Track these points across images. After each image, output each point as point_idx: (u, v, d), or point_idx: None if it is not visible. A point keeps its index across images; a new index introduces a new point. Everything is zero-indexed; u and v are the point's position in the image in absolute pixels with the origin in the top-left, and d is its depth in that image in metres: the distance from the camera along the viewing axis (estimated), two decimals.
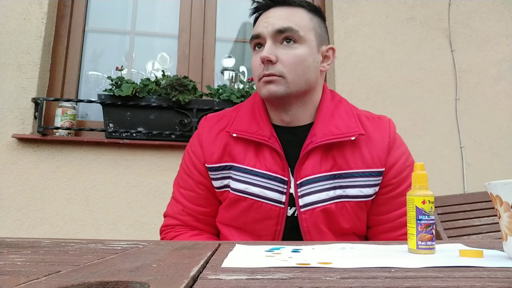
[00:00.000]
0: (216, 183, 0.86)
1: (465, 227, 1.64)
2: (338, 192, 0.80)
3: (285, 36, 0.80)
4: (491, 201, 0.50)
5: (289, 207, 0.82)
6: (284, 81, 0.79)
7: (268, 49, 0.79)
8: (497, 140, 2.06)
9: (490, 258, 0.47)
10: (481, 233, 1.63)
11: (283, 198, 0.81)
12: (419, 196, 0.54)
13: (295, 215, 0.82)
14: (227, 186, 0.84)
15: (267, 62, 0.79)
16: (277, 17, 0.81)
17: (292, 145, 0.83)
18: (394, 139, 0.85)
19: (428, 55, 2.10)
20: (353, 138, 0.80)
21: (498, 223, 0.49)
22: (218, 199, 0.88)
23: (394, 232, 0.83)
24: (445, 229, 1.60)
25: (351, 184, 0.81)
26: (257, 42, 0.83)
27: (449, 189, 1.96)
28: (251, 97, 0.92)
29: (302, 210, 0.80)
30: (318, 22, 0.85)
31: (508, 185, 0.46)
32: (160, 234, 0.91)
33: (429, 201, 0.54)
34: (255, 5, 0.86)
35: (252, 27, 0.90)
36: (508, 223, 0.47)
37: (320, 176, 0.80)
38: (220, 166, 0.84)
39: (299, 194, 0.80)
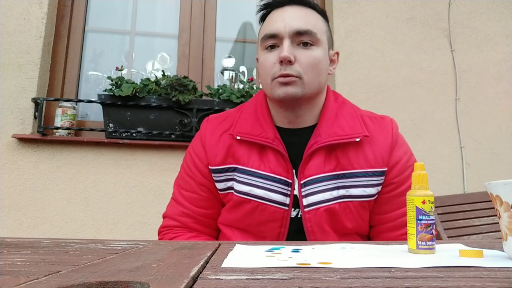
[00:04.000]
0: (219, 185, 0.85)
1: (465, 227, 1.64)
2: (342, 192, 0.80)
3: (304, 38, 0.80)
4: (491, 201, 0.50)
5: (292, 209, 0.82)
6: (301, 82, 0.79)
7: (288, 49, 0.78)
8: (497, 140, 2.06)
9: (490, 258, 0.47)
10: (481, 233, 1.63)
11: (287, 200, 0.81)
12: (419, 196, 0.54)
13: (299, 216, 0.82)
14: (231, 188, 0.84)
15: (287, 62, 0.78)
16: (295, 17, 0.80)
17: (296, 146, 0.83)
18: (397, 139, 0.85)
19: (428, 55, 2.10)
20: (357, 139, 0.81)
21: (498, 223, 0.49)
22: (220, 201, 0.88)
23: (396, 231, 0.84)
24: (445, 229, 1.60)
25: (354, 184, 0.81)
26: (272, 41, 0.82)
27: (449, 189, 1.96)
28: (253, 98, 0.91)
29: (306, 210, 0.80)
30: (327, 26, 0.87)
31: (508, 185, 0.46)
32: (158, 235, 0.90)
33: (429, 201, 0.54)
34: (266, 1, 0.85)
35: (253, 26, 0.89)
36: (508, 223, 0.47)
37: (323, 176, 0.80)
38: (224, 168, 0.84)
39: (303, 194, 0.80)
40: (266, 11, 0.87)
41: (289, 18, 0.80)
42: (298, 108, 0.84)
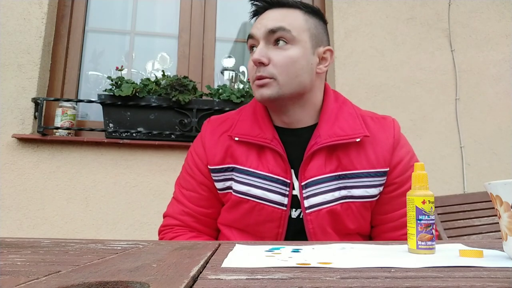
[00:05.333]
0: (218, 185, 0.86)
1: (465, 227, 1.63)
2: (343, 192, 0.80)
3: (277, 36, 0.79)
4: (491, 201, 0.50)
5: (294, 209, 0.82)
6: (275, 83, 0.79)
7: (260, 51, 0.79)
8: (497, 140, 2.06)
9: (490, 258, 0.47)
10: (481, 233, 1.63)
11: (285, 200, 0.81)
12: (419, 196, 0.54)
13: (300, 217, 0.82)
14: (229, 188, 0.84)
15: (259, 64, 0.79)
16: (271, 18, 0.81)
17: (294, 146, 0.83)
18: (399, 139, 0.85)
19: (428, 55, 2.10)
20: (358, 139, 0.80)
21: (498, 223, 0.49)
22: (220, 201, 0.88)
23: (397, 231, 0.84)
24: (445, 229, 1.60)
25: (356, 185, 0.81)
26: (252, 43, 0.83)
27: (449, 189, 1.96)
28: (253, 100, 0.91)
29: (307, 211, 0.80)
30: (314, 23, 0.84)
31: (508, 185, 0.46)
32: (159, 234, 0.90)
33: (429, 201, 0.54)
34: (253, 8, 0.86)
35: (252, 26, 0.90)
36: (508, 223, 0.47)
37: (325, 177, 0.80)
38: (223, 167, 0.84)
39: (304, 195, 0.80)
40: (255, 18, 0.88)
41: (266, 20, 0.81)
42: (285, 108, 0.83)
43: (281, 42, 0.80)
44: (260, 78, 0.80)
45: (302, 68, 0.81)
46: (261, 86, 0.80)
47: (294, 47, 0.80)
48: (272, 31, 0.79)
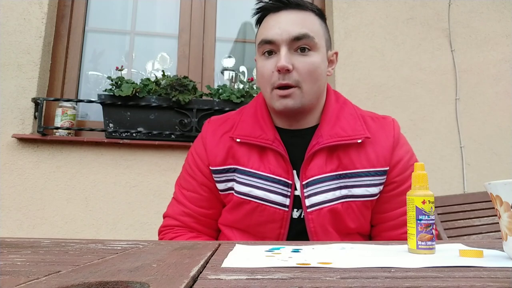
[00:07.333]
0: (220, 186, 0.86)
1: (465, 227, 1.63)
2: (344, 192, 0.80)
3: (302, 43, 0.78)
4: (491, 201, 0.50)
5: (295, 210, 0.82)
6: (299, 92, 0.79)
7: (285, 58, 0.77)
8: (497, 140, 2.06)
9: (490, 258, 0.47)
10: (481, 233, 1.63)
11: (287, 201, 0.81)
12: (419, 196, 0.54)
13: (302, 217, 0.82)
14: (231, 188, 0.84)
15: (285, 71, 0.77)
16: (291, 22, 0.78)
17: (296, 147, 0.83)
18: (398, 138, 0.86)
19: (428, 55, 2.10)
20: (359, 141, 0.81)
21: (498, 223, 0.49)
22: (221, 202, 0.88)
23: (397, 230, 0.84)
24: (445, 229, 1.60)
25: (356, 184, 0.81)
26: (270, 48, 0.80)
27: (449, 189, 1.96)
28: (254, 100, 0.91)
29: (308, 210, 0.80)
30: (325, 26, 0.85)
31: (508, 185, 0.46)
32: (159, 234, 0.90)
33: (429, 201, 0.54)
34: (261, 4, 0.83)
35: (253, 26, 0.89)
36: (508, 223, 0.47)
37: (326, 176, 0.80)
38: (224, 168, 0.84)
39: (305, 194, 0.80)
40: (261, 14, 0.85)
41: (285, 24, 0.78)
42: (299, 116, 0.84)
43: (304, 49, 0.78)
44: (285, 86, 0.78)
45: (321, 73, 0.81)
46: (285, 96, 0.78)
47: (315, 54, 0.80)
48: (297, 38, 0.77)
